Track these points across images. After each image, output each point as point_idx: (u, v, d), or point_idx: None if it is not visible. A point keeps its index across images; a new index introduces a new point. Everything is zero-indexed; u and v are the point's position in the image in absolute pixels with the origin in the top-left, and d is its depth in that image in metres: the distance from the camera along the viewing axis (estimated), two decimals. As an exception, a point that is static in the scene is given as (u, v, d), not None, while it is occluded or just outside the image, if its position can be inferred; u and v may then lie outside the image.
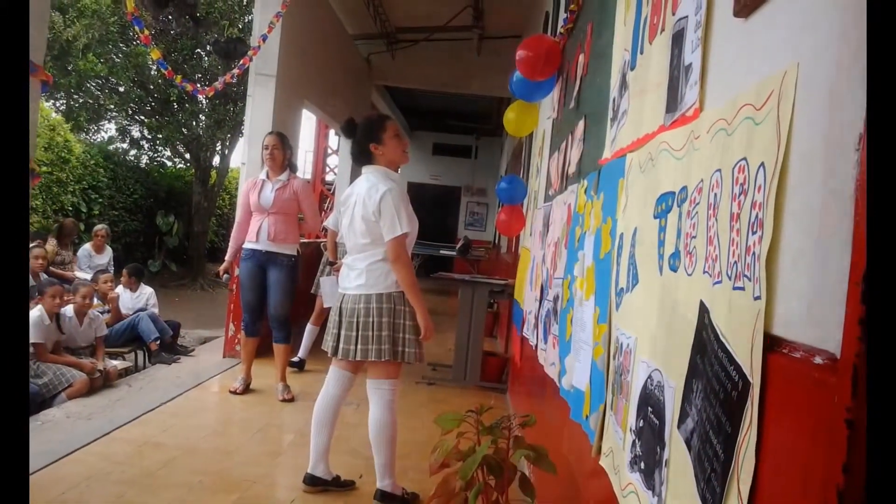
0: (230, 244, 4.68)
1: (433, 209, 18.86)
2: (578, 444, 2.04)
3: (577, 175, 2.68)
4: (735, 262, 0.99)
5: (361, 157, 3.07)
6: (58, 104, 11.68)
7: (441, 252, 11.52)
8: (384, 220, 2.89)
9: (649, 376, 1.35)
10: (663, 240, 1.37)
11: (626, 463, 1.45)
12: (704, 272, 1.11)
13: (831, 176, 0.77)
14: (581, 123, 2.70)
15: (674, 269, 1.28)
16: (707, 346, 1.06)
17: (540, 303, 3.46)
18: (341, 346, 2.95)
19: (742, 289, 0.96)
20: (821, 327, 0.77)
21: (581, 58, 2.91)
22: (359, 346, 2.91)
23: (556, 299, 2.89)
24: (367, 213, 2.92)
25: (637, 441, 1.38)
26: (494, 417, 2.42)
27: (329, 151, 11.21)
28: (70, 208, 9.87)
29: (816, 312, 0.78)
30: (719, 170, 1.10)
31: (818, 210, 0.80)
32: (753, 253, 0.93)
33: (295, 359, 5.33)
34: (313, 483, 3.14)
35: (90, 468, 3.13)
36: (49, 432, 3.62)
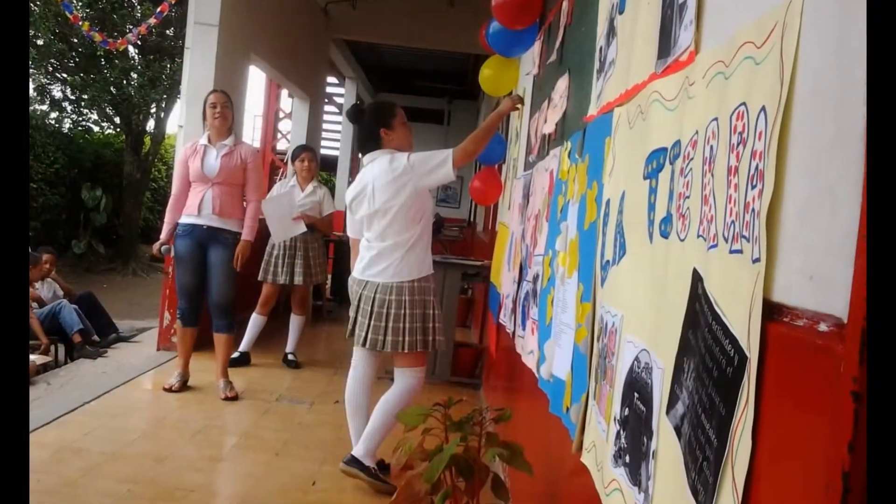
0: (166, 219, 4.53)
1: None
2: (558, 440, 2.04)
3: (561, 137, 2.66)
4: (733, 221, 0.98)
5: (369, 142, 3.34)
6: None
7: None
8: (429, 162, 3.18)
9: (636, 358, 1.34)
10: (654, 203, 1.36)
11: (609, 457, 1.45)
12: (699, 236, 1.10)
13: (840, 114, 0.76)
14: (564, 78, 2.68)
15: (665, 234, 1.27)
16: (700, 319, 1.05)
17: (518, 284, 3.46)
18: (370, 336, 3.25)
19: (740, 251, 0.94)
20: (827, 290, 0.76)
21: (565, 4, 2.89)
22: (388, 338, 3.22)
23: (535, 279, 2.89)
24: (396, 177, 3.18)
25: (622, 432, 1.38)
26: (465, 412, 2.41)
27: (281, 115, 11.07)
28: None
29: (822, 273, 0.77)
30: (716, 119, 1.09)
31: (825, 154, 0.78)
32: (753, 209, 0.91)
33: (236, 354, 5.20)
34: (353, 465, 3.29)
35: None
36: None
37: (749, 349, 0.88)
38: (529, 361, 2.83)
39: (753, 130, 0.95)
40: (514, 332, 3.50)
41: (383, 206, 3.21)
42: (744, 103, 0.99)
